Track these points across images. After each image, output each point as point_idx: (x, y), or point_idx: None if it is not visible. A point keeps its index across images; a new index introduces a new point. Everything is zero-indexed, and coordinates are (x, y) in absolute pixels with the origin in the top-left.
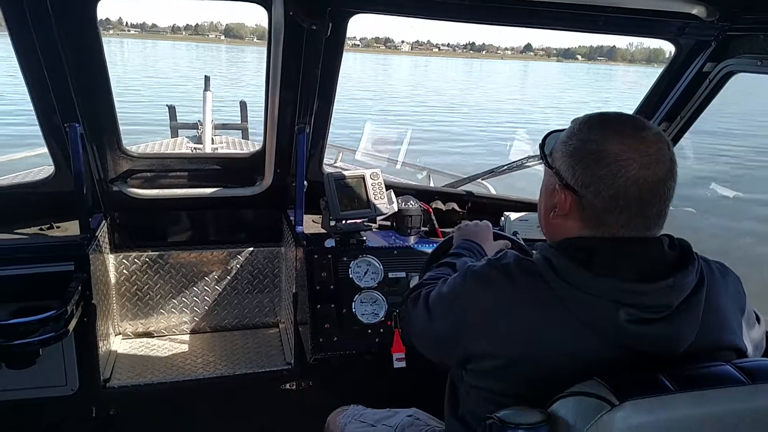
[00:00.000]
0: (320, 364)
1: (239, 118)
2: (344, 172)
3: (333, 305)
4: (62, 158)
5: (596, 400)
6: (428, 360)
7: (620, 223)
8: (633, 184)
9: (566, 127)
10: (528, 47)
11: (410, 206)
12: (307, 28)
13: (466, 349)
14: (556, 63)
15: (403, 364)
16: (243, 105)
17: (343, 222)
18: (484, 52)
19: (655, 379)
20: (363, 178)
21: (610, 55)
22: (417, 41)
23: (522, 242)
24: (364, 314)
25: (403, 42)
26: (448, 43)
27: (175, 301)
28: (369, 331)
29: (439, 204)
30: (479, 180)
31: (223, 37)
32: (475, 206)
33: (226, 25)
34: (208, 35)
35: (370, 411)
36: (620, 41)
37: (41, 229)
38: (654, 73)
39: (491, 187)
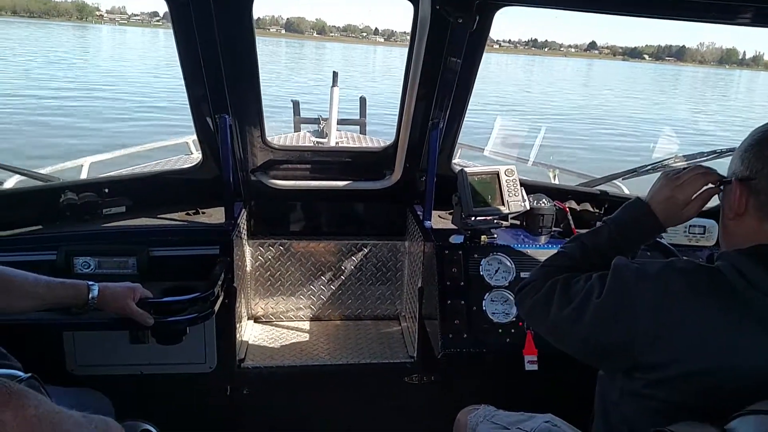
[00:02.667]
0: (447, 360)
1: (357, 114)
2: (478, 168)
3: (463, 302)
4: (209, 147)
5: None
6: (564, 364)
7: None
8: None
9: None
10: (593, 45)
11: (543, 205)
12: (453, 22)
13: (636, 359)
14: (621, 62)
15: (535, 367)
16: (363, 101)
17: (474, 219)
18: (546, 49)
19: None
20: (497, 174)
21: (679, 55)
22: None
23: (669, 246)
24: (494, 313)
25: None
26: (509, 40)
27: (304, 289)
28: (500, 330)
29: (572, 203)
30: (615, 181)
31: (283, 31)
32: (612, 207)
33: (287, 19)
34: (268, 29)
35: (502, 413)
36: (690, 40)
37: (188, 214)
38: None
39: (625, 188)
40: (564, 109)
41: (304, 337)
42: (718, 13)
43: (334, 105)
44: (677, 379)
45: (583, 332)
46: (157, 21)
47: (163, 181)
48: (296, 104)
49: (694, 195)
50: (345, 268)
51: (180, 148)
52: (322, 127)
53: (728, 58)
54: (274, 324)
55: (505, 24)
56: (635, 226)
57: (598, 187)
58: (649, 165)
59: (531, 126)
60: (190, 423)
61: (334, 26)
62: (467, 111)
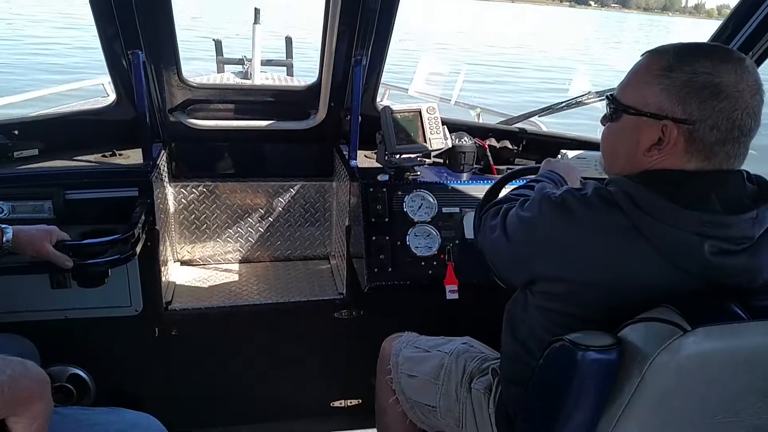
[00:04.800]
0: (374, 294)
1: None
2: (400, 106)
3: (388, 237)
4: (123, 86)
5: (668, 326)
6: (481, 293)
7: (729, 154)
8: (746, 115)
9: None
10: None
11: (464, 143)
12: None
13: (537, 271)
14: (568, 8)
15: (455, 296)
16: (288, 41)
17: (398, 156)
18: None
19: (728, 307)
20: (419, 112)
21: (624, 2)
22: None
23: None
24: (418, 247)
25: None
26: None
27: (230, 231)
28: (422, 263)
29: (492, 141)
30: (533, 119)
31: None
32: (530, 144)
33: None
34: None
35: (424, 338)
36: None
37: (104, 156)
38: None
39: (543, 125)
40: (490, 52)
41: (233, 278)
42: None
43: (257, 44)
44: (572, 292)
45: (503, 244)
46: None
47: (76, 123)
48: (218, 43)
49: None
50: (273, 210)
51: (96, 90)
52: (246, 68)
53: (671, 6)
54: (202, 267)
55: None
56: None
57: (517, 125)
58: (563, 102)
59: (453, 66)
60: (119, 366)
61: None
62: (390, 47)
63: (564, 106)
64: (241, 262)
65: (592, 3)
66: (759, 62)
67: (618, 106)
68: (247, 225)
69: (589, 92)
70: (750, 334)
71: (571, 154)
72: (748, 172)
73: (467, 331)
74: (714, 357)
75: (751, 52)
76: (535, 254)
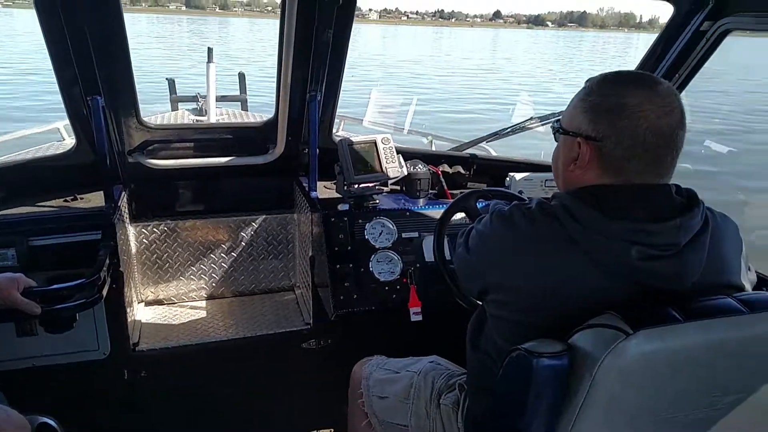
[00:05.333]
0: (341, 321)
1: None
2: (356, 138)
3: (351, 265)
4: (82, 130)
5: (612, 331)
6: (444, 312)
7: (637, 170)
8: (650, 134)
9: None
10: (497, 14)
11: (419, 170)
12: None
13: (489, 280)
14: (526, 30)
15: (419, 318)
16: (241, 76)
17: (357, 186)
18: (453, 20)
19: (665, 311)
20: (375, 143)
21: (581, 21)
22: (385, 9)
23: (524, 198)
24: (380, 272)
25: (371, 10)
26: (417, 11)
27: (194, 269)
28: (386, 288)
29: (445, 167)
30: (482, 144)
31: (183, 8)
32: (480, 168)
33: None
34: (167, 6)
35: (393, 360)
36: (591, 6)
37: (66, 201)
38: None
39: (492, 150)
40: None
41: (199, 316)
42: None
43: (211, 81)
44: (519, 299)
45: (463, 256)
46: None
47: (36, 169)
48: (171, 82)
49: None
50: (236, 245)
51: (51, 134)
52: (201, 105)
53: (627, 22)
54: (168, 306)
55: None
56: None
57: (468, 151)
58: (509, 128)
59: (405, 97)
60: (90, 411)
61: (238, 1)
62: (343, 82)
63: (510, 132)
64: (206, 299)
65: (549, 24)
66: (682, 86)
67: (556, 127)
68: (210, 261)
69: (531, 117)
70: (686, 334)
71: (518, 176)
72: (678, 186)
73: (434, 350)
74: (655, 357)
75: (677, 74)
76: (487, 264)
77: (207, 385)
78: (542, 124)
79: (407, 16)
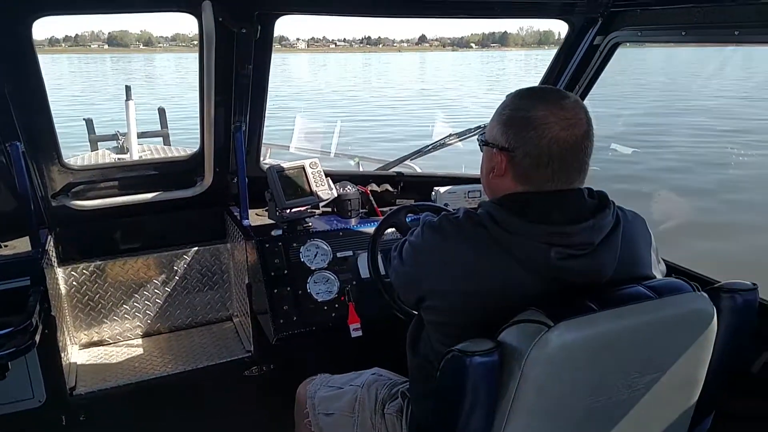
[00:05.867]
0: (282, 345)
1: (158, 125)
2: (285, 164)
3: (289, 288)
4: (3, 177)
5: (535, 325)
6: (382, 326)
7: (545, 177)
8: (554, 144)
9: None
10: (423, 38)
11: (348, 191)
12: (237, 32)
13: (424, 288)
14: (451, 52)
15: (359, 333)
16: (162, 111)
17: (289, 211)
18: (380, 46)
19: (582, 303)
20: (303, 168)
21: (503, 41)
22: (313, 38)
23: (450, 210)
24: (318, 293)
25: (299, 39)
26: (344, 39)
27: (127, 307)
28: (325, 307)
29: (374, 186)
30: (406, 162)
31: (106, 46)
32: (407, 185)
33: (109, 33)
34: (89, 45)
35: (336, 376)
36: (511, 27)
37: None
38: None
39: (417, 167)
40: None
41: (137, 354)
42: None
43: (131, 119)
44: (453, 303)
45: (399, 268)
46: None
47: None
48: (89, 122)
49: None
50: (169, 280)
51: None
52: (121, 142)
53: (546, 40)
54: (103, 347)
55: (339, 24)
56: None
57: (394, 169)
58: (430, 145)
59: (328, 121)
60: None
61: (162, 37)
62: (267, 111)
63: (431, 148)
64: (143, 336)
65: (473, 45)
66: (583, 96)
67: (480, 139)
68: (144, 299)
69: (450, 134)
70: (600, 322)
71: (442, 190)
72: (590, 189)
73: (375, 362)
74: (576, 346)
75: (577, 86)
76: (421, 273)
77: (150, 423)
78: (461, 140)
79: (335, 44)
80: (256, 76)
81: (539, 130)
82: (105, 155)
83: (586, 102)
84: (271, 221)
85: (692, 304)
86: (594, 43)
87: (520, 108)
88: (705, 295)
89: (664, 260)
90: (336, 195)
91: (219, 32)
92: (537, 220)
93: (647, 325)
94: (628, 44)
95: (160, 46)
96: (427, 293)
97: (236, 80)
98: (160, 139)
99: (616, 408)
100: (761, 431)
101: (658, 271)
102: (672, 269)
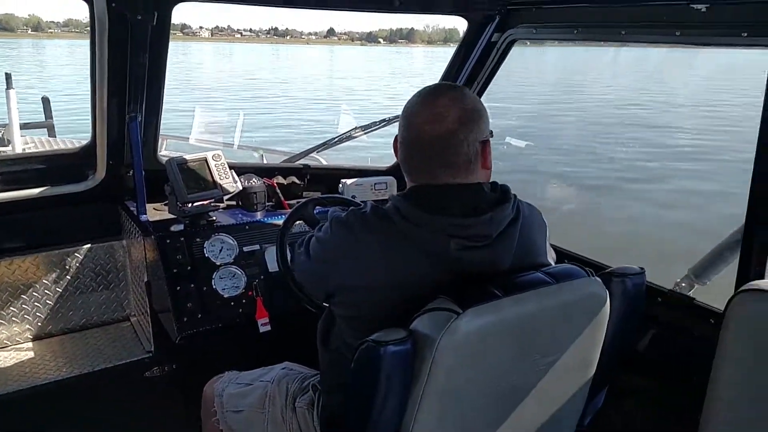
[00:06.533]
0: (186, 343)
1: (42, 116)
2: (186, 156)
3: (193, 285)
4: None
5: (445, 312)
6: (292, 320)
7: (414, 166)
8: (416, 137)
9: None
10: (331, 32)
11: (254, 183)
12: (132, 18)
13: (333, 283)
14: (360, 47)
15: (268, 328)
16: (46, 101)
17: (191, 205)
18: (288, 37)
19: (487, 289)
20: (205, 160)
21: (410, 37)
22: (217, 27)
23: (353, 200)
24: (224, 289)
25: (201, 28)
26: (251, 29)
27: (15, 309)
28: (232, 303)
29: (280, 179)
30: (312, 154)
31: None
32: (314, 177)
33: None
34: None
35: (245, 373)
36: (418, 24)
37: None
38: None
39: (323, 160)
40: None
41: (27, 358)
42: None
43: (13, 109)
44: (364, 297)
45: (306, 265)
46: None
47: None
48: None
49: None
50: (60, 280)
51: None
52: (1, 134)
53: (451, 37)
54: None
55: (245, 13)
56: None
57: (300, 162)
58: (336, 138)
59: (231, 112)
60: None
61: (53, 22)
62: (164, 102)
63: (337, 141)
64: (33, 340)
65: (381, 41)
66: (481, 92)
67: None
68: (33, 300)
69: (356, 127)
70: (505, 307)
71: (349, 182)
72: (494, 183)
73: (286, 357)
74: (482, 331)
75: (476, 82)
76: (330, 269)
77: (46, 430)
78: (365, 133)
79: (241, 33)
80: (152, 64)
81: (410, 122)
82: None
83: (483, 98)
84: (172, 216)
85: (587, 289)
86: (492, 40)
87: (407, 107)
88: (599, 279)
89: (555, 247)
90: (241, 188)
91: (112, 18)
92: (438, 212)
93: (547, 310)
94: (527, 42)
95: (51, 32)
96: (335, 289)
97: (131, 69)
98: (45, 130)
99: (520, 389)
100: (646, 403)
101: (551, 258)
102: (565, 255)
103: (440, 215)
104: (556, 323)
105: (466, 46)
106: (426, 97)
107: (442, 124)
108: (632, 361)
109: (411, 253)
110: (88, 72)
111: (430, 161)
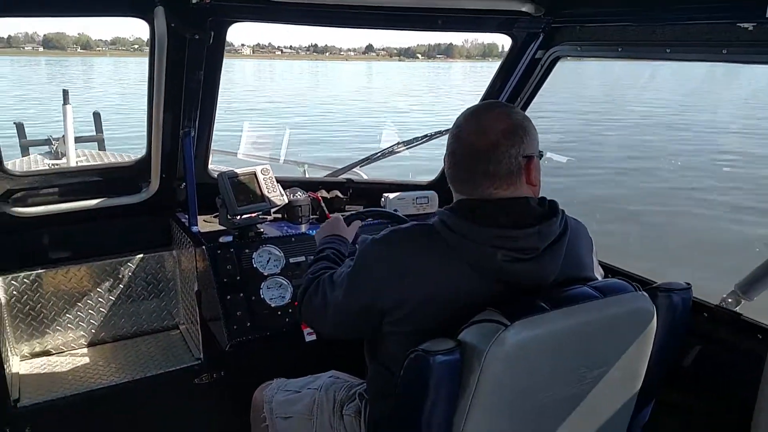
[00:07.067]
0: (235, 351)
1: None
2: (236, 170)
3: (242, 294)
4: None
5: (493, 324)
6: None
7: (460, 178)
8: (463, 148)
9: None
10: (370, 48)
11: (299, 197)
12: (190, 38)
13: (384, 306)
14: (398, 62)
15: (314, 338)
16: (97, 116)
17: (240, 217)
18: (327, 54)
19: (535, 303)
20: (254, 174)
21: (448, 52)
22: (258, 44)
23: (396, 213)
24: (272, 298)
25: (243, 45)
26: (291, 46)
27: (70, 316)
28: (279, 312)
29: (323, 192)
30: (354, 169)
31: (41, 49)
32: (356, 191)
33: (44, 35)
34: (23, 48)
35: (292, 380)
36: (457, 39)
37: None
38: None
39: (364, 174)
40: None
41: (82, 364)
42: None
43: (69, 123)
44: (413, 312)
45: (341, 303)
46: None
47: None
48: (20, 126)
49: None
50: (113, 288)
51: None
52: (55, 147)
53: (490, 52)
54: (46, 358)
55: (286, 30)
56: (336, 243)
57: (343, 176)
58: (379, 152)
59: (278, 128)
60: None
61: (101, 40)
62: (216, 117)
63: (380, 156)
64: (87, 346)
65: (419, 56)
66: (524, 109)
67: None
68: (87, 308)
69: (398, 142)
70: (552, 320)
71: (391, 196)
72: (543, 198)
73: (332, 365)
74: (530, 343)
75: (519, 98)
76: (378, 293)
77: None
78: (407, 148)
79: (281, 50)
80: (206, 81)
81: (458, 135)
82: (38, 161)
83: (527, 113)
84: (220, 228)
85: (634, 303)
86: (536, 56)
87: (459, 118)
88: (645, 294)
89: (601, 262)
90: (287, 201)
91: (171, 38)
92: (485, 223)
93: (594, 323)
94: (568, 58)
95: (99, 50)
96: (387, 311)
97: (186, 86)
98: (95, 144)
99: (566, 401)
100: (692, 419)
101: (598, 273)
102: (610, 270)
103: (487, 227)
104: (602, 337)
105: (509, 63)
106: (475, 113)
107: (487, 136)
108: (677, 377)
109: (458, 265)
110: (131, 89)
111: (473, 171)
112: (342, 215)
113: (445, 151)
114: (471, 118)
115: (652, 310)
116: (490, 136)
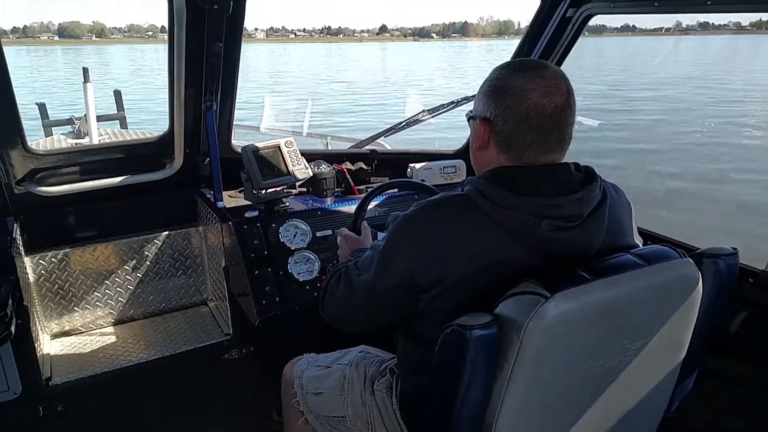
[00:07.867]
0: (264, 326)
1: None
2: (259, 144)
3: (269, 269)
4: None
5: (532, 296)
6: None
7: (525, 144)
8: (533, 111)
9: None
10: (383, 28)
11: (323, 169)
12: (209, 8)
13: (422, 284)
14: (413, 42)
15: None
16: (118, 94)
17: (265, 191)
18: (341, 36)
19: (576, 273)
20: (278, 147)
21: (463, 31)
22: (272, 28)
23: (431, 186)
24: (300, 273)
25: (257, 29)
26: (304, 29)
27: (98, 294)
28: (307, 287)
29: (348, 165)
30: (378, 140)
31: (56, 38)
32: (381, 162)
33: (59, 24)
34: (38, 37)
35: (322, 355)
36: (471, 17)
37: None
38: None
39: (387, 145)
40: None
41: (111, 341)
42: None
43: (90, 101)
44: (452, 285)
45: (372, 286)
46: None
47: None
48: (42, 107)
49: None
50: (140, 265)
51: None
52: (77, 127)
53: (506, 29)
54: (76, 336)
55: (298, 13)
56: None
57: (367, 147)
58: (403, 122)
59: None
60: None
61: (116, 28)
62: (238, 91)
63: (404, 125)
64: (115, 324)
65: (434, 35)
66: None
67: (468, 114)
68: (115, 285)
69: (423, 110)
70: (595, 291)
71: (418, 166)
72: (576, 163)
73: (361, 340)
74: (571, 315)
75: (549, 59)
76: (414, 272)
77: (130, 411)
78: (433, 116)
79: (295, 33)
80: (227, 53)
81: (518, 97)
82: (61, 140)
83: None
84: (245, 202)
85: (680, 270)
86: (566, 15)
87: (500, 78)
88: (691, 260)
89: (640, 229)
90: (311, 174)
91: (189, 10)
92: (527, 192)
93: (639, 292)
94: (600, 16)
95: (114, 38)
96: (423, 288)
97: (207, 59)
98: (117, 122)
99: (609, 373)
100: (736, 387)
101: (639, 239)
102: (650, 236)
103: (529, 196)
104: (647, 306)
105: (538, 24)
106: (528, 71)
107: (557, 96)
108: (723, 345)
109: (495, 236)
110: (151, 69)
111: (546, 136)
112: (345, 229)
113: (476, 111)
114: (531, 74)
115: (698, 277)
116: (560, 96)
